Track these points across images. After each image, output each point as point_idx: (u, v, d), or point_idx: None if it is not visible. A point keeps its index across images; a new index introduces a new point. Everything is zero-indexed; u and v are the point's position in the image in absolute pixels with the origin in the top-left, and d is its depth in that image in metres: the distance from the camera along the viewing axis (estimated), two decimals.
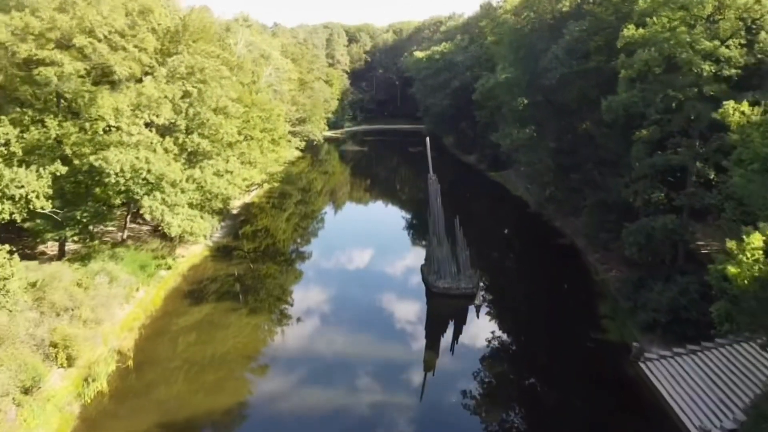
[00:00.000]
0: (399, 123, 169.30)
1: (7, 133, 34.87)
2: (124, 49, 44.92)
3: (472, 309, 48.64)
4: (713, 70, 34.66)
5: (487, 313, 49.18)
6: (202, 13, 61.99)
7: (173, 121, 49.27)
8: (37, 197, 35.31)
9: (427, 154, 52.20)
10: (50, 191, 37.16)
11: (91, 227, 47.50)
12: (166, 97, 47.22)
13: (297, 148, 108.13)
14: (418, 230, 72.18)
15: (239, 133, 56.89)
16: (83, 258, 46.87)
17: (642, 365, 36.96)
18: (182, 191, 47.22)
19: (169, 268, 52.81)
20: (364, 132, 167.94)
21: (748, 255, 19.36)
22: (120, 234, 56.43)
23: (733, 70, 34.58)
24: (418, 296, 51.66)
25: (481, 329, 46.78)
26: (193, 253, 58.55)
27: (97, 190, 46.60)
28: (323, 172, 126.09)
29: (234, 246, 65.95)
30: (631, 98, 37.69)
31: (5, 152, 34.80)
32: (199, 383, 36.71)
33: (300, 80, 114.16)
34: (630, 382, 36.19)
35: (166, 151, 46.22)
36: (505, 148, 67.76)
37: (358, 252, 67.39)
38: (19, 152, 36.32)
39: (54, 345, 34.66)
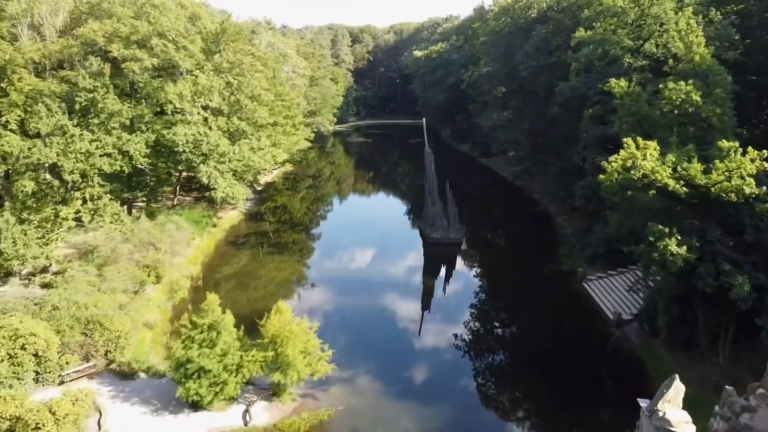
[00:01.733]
0: (399, 118, 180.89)
1: (122, 109, 47.09)
2: (185, 48, 57.17)
3: (460, 254, 60.99)
4: (632, 62, 46.71)
5: (472, 257, 61.70)
6: (230, 18, 74.31)
7: (218, 106, 61.58)
8: (140, 155, 47.65)
9: (424, 133, 64.68)
10: (148, 151, 49.52)
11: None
12: (213, 86, 59.60)
13: (307, 139, 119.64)
14: (415, 206, 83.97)
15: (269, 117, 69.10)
16: (149, 215, 59.03)
17: (584, 284, 49.33)
18: (229, 160, 59.44)
19: (215, 225, 65.17)
20: (367, 126, 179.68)
21: (610, 168, 31.38)
22: (170, 201, 68.67)
23: (645, 61, 46.66)
24: (417, 246, 63.96)
25: (467, 269, 59.37)
26: (231, 216, 70.92)
27: (159, 163, 58.97)
28: (330, 162, 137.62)
29: (261, 215, 78.07)
30: (575, 84, 49.86)
31: (122, 121, 47.03)
32: (252, 297, 49.03)
33: (311, 77, 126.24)
34: (575, 295, 48.56)
35: (218, 128, 58.49)
36: (487, 128, 79.92)
37: (365, 223, 79.61)
38: (128, 122, 48.60)
39: (146, 266, 46.92)
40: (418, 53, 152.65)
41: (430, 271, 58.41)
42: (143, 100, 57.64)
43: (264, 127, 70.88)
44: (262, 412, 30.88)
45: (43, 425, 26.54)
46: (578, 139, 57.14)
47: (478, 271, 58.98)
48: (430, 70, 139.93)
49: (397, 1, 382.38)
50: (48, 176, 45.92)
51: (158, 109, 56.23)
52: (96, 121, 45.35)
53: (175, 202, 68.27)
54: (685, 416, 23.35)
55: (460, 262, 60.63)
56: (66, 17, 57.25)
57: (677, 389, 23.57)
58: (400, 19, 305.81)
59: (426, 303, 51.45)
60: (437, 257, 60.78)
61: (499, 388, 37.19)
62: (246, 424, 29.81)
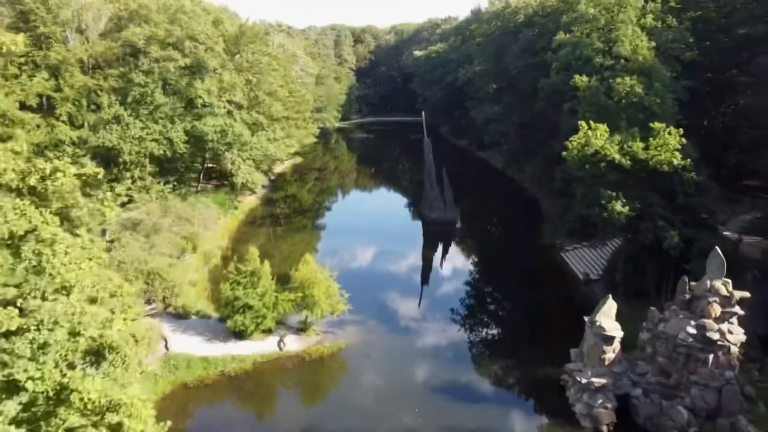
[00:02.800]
0: (400, 115, 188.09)
1: (167, 102, 54.79)
2: (212, 49, 64.74)
3: (455, 232, 68.76)
4: (602, 62, 54.10)
5: (467, 235, 69.44)
6: (248, 22, 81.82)
7: (240, 101, 69.18)
8: (180, 141, 55.32)
9: (423, 125, 72.36)
10: (186, 138, 57.14)
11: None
12: (236, 83, 67.22)
13: (313, 134, 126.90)
14: (415, 197, 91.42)
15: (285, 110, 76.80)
16: (180, 197, 66.55)
17: (562, 254, 57.05)
18: (250, 149, 67.02)
19: (236, 208, 72.88)
20: (369, 123, 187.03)
21: (571, 146, 38.93)
22: (193, 188, 76.22)
23: (612, 61, 53.99)
24: (416, 230, 71.66)
25: (462, 244, 67.09)
26: (249, 201, 78.63)
27: (186, 151, 66.48)
28: (335, 156, 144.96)
29: (274, 202, 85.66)
30: (555, 81, 57.39)
31: (166, 112, 54.71)
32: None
33: (317, 76, 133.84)
34: (554, 262, 56.36)
35: (242, 120, 66.13)
36: (480, 122, 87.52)
37: (368, 211, 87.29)
38: (170, 112, 56.30)
39: (184, 237, 54.52)
40: (418, 53, 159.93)
41: (428, 247, 66.01)
42: (173, 95, 65.22)
43: (278, 120, 78.57)
44: (293, 342, 38.55)
45: (125, 344, 34.10)
46: (559, 130, 64.66)
47: (472, 246, 66.70)
48: (430, 69, 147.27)
49: (397, 3, 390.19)
50: (90, 163, 53.48)
51: (184, 104, 63.55)
52: (145, 111, 53.12)
53: (199, 188, 75.81)
54: (616, 325, 31.25)
55: (455, 239, 68.32)
56: (107, 22, 64.77)
57: (610, 305, 31.54)
58: (400, 20, 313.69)
59: (425, 276, 58.86)
60: (435, 235, 68.41)
61: (485, 329, 44.81)
62: (281, 349, 37.45)
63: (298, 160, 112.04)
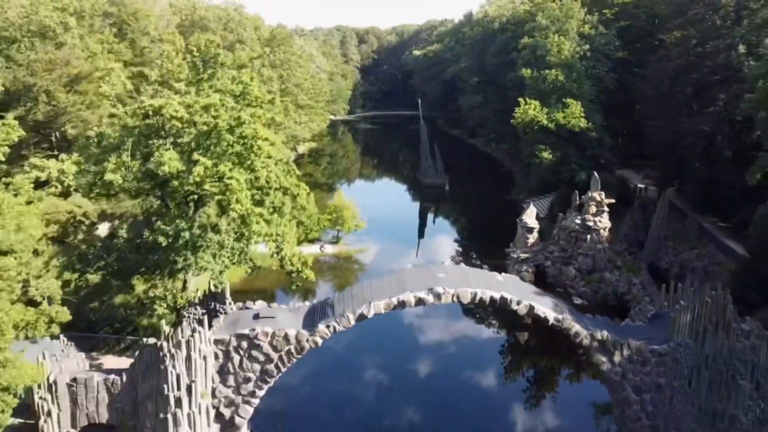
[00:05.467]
0: (401, 109, 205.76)
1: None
2: (254, 50, 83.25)
3: (444, 193, 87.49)
4: (552, 59, 72.34)
5: (453, 196, 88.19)
6: (278, 28, 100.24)
7: (275, 91, 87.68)
8: None
9: (419, 109, 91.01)
10: None
11: None
12: (272, 77, 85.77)
13: (325, 121, 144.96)
14: (411, 177, 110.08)
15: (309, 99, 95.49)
16: None
17: (524, 204, 75.51)
18: (284, 128, 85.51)
19: None
20: (372, 116, 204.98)
21: (517, 115, 57.27)
22: None
23: (561, 58, 72.21)
24: (415, 189, 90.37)
25: (450, 203, 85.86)
26: None
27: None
28: (343, 145, 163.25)
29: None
30: (518, 75, 75.69)
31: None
32: None
33: (330, 72, 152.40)
34: (517, 210, 74.29)
35: (278, 105, 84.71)
36: (466, 109, 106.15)
37: (376, 180, 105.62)
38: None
39: None
40: (417, 52, 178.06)
41: (423, 205, 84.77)
42: None
43: (303, 108, 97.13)
44: (329, 248, 57.25)
45: None
46: None
47: (457, 203, 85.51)
48: (427, 67, 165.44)
49: (399, 5, 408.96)
50: None
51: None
52: None
53: None
54: (535, 222, 49.84)
55: (444, 199, 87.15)
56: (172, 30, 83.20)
57: (532, 209, 50.51)
58: (401, 22, 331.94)
59: (421, 231, 77.25)
60: (428, 196, 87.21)
61: (462, 246, 63.59)
62: (322, 252, 56.06)
63: (313, 145, 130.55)
